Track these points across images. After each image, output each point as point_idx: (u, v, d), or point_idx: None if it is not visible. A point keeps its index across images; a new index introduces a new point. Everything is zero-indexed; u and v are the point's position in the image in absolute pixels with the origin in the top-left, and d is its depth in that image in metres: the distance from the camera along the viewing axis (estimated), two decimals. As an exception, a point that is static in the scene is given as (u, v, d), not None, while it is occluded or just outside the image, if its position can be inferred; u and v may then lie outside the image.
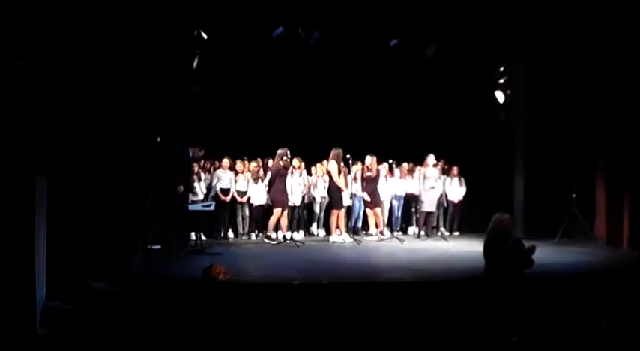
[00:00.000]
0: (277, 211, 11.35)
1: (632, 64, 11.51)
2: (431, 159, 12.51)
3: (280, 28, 11.69)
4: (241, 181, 11.93)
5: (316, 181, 12.48)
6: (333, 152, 11.85)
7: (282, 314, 6.63)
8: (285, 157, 11.39)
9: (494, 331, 5.25)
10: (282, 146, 11.51)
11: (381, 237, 12.16)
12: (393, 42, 12.61)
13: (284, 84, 13.07)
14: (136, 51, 7.98)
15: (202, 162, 11.77)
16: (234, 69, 12.42)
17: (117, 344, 5.63)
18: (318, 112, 13.28)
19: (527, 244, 6.62)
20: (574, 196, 11.96)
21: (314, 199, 12.57)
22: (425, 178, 12.48)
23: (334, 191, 11.86)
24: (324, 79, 13.24)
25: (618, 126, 11.82)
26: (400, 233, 12.89)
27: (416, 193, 12.85)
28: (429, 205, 12.52)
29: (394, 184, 12.98)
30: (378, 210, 12.31)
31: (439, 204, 13.07)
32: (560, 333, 5.17)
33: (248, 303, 6.60)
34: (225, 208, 11.91)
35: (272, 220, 11.40)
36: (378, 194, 12.37)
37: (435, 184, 12.51)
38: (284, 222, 11.62)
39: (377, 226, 12.30)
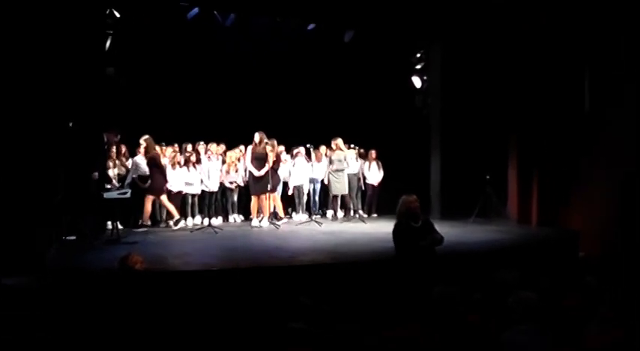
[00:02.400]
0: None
1: (542, 49, 11.99)
2: (340, 142, 12.58)
3: (195, 9, 11.45)
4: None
5: (228, 167, 12.27)
6: (256, 136, 11.61)
7: (202, 302, 6.58)
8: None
9: (410, 309, 5.36)
10: (200, 131, 11.27)
11: (271, 223, 11.70)
12: (311, 26, 12.61)
13: (201, 66, 12.81)
14: (44, 31, 7.64)
15: (118, 148, 11.41)
16: (149, 50, 12.05)
17: (31, 341, 5.43)
18: (235, 96, 13.11)
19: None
20: (488, 177, 12.39)
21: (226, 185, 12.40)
22: (331, 161, 12.57)
23: (249, 176, 11.69)
24: (241, 63, 13.08)
25: (530, 111, 12.34)
26: (319, 216, 12.92)
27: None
28: (336, 188, 12.66)
29: (311, 168, 12.98)
30: (270, 196, 11.78)
31: (357, 187, 13.23)
32: (474, 307, 5.31)
33: (167, 292, 6.51)
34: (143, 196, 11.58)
35: None
36: (275, 179, 11.77)
37: (343, 166, 12.55)
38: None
39: (261, 211, 11.74)
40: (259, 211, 11.73)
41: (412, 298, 5.60)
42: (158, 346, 5.86)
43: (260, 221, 11.63)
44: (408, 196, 6.88)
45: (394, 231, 6.82)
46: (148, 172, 11.18)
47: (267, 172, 11.41)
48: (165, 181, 11.26)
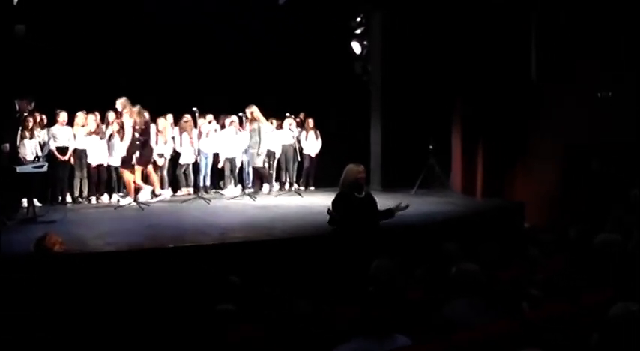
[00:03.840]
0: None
1: (487, 15, 12.11)
2: (255, 111, 12.08)
3: None
4: (81, 138, 11.27)
5: (156, 138, 11.83)
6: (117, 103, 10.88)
7: (127, 284, 6.41)
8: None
9: (350, 282, 5.35)
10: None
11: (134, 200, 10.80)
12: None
13: (123, 27, 12.21)
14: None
15: (33, 116, 10.87)
16: (65, 5, 11.44)
17: None
18: (164, 60, 12.66)
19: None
20: (431, 147, 12.49)
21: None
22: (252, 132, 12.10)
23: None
24: (168, 24, 12.57)
25: (474, 79, 12.45)
26: (252, 190, 12.80)
27: (271, 148, 12.85)
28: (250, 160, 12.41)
29: (244, 139, 12.73)
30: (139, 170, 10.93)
31: (294, 158, 13.14)
32: (417, 281, 5.34)
33: (89, 276, 6.32)
34: (63, 170, 11.18)
35: None
36: (147, 153, 10.93)
37: (262, 137, 12.08)
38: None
39: (128, 186, 10.93)
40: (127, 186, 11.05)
41: (352, 273, 5.57)
42: (79, 334, 5.71)
43: (123, 198, 11.16)
44: (355, 165, 6.82)
45: (336, 201, 6.78)
46: (67, 144, 10.80)
47: (130, 144, 10.67)
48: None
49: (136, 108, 10.64)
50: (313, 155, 13.53)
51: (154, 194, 11.20)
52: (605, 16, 11.36)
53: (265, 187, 12.98)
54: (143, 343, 5.36)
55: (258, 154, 12.04)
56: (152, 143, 11.28)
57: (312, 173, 13.69)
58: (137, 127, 10.62)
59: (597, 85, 11.50)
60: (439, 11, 12.61)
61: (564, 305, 4.35)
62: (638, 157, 10.85)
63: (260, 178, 12.76)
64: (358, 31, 14.05)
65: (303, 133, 13.44)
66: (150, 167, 11.13)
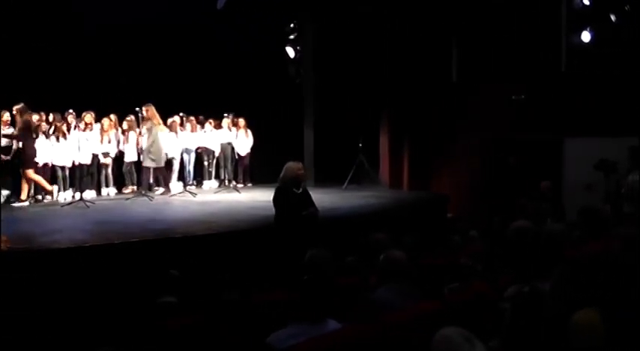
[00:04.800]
0: None
1: (412, 20, 12.36)
2: (152, 109, 11.26)
3: None
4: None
5: (101, 138, 11.64)
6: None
7: (72, 281, 6.29)
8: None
9: (287, 272, 5.41)
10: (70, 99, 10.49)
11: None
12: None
13: (62, 24, 11.76)
14: None
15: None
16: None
17: None
18: (106, 61, 12.28)
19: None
20: (360, 144, 12.64)
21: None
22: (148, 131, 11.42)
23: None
24: (108, 27, 12.25)
25: (401, 80, 12.72)
26: (194, 187, 12.70)
27: (209, 147, 12.80)
28: (146, 160, 11.51)
29: (185, 138, 12.65)
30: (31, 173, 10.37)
31: (231, 156, 13.08)
32: (349, 269, 5.42)
33: (34, 274, 6.17)
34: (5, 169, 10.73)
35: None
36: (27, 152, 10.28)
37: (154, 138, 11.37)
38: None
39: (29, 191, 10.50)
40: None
41: (289, 263, 5.62)
42: (24, 331, 5.58)
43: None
44: (294, 163, 6.90)
45: (275, 196, 6.83)
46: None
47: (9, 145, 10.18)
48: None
49: (19, 106, 10.20)
50: (243, 154, 13.30)
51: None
52: (519, 22, 11.78)
53: (207, 183, 12.91)
54: (87, 335, 5.28)
55: (149, 152, 11.28)
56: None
57: (247, 170, 13.53)
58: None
59: (512, 86, 11.92)
60: (367, 18, 12.80)
61: (482, 287, 4.51)
62: (549, 152, 11.31)
63: (157, 178, 11.97)
64: (292, 36, 14.09)
65: (235, 131, 13.22)
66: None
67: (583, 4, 11.00)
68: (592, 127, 11.07)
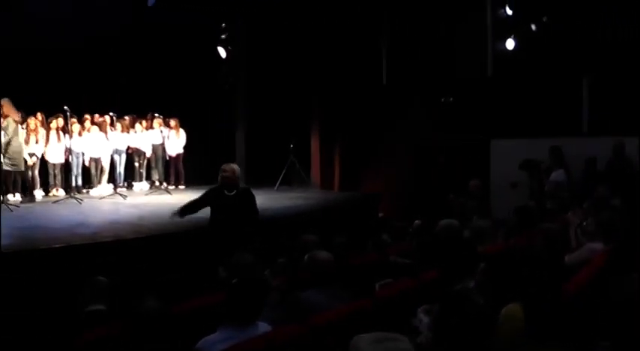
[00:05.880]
0: None
1: (342, 22, 12.45)
2: (8, 104, 10.19)
3: None
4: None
5: (27, 138, 11.10)
6: None
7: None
8: None
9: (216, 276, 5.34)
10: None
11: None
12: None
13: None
14: None
15: None
16: None
17: None
18: (33, 59, 11.77)
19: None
20: (292, 146, 12.63)
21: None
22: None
23: None
24: (41, 27, 11.81)
25: (331, 82, 12.81)
26: (124, 189, 12.40)
27: (140, 148, 12.56)
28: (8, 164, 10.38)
29: (115, 138, 12.31)
30: None
31: (162, 158, 12.82)
32: (280, 271, 5.37)
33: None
34: None
35: None
36: None
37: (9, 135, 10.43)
38: None
39: None
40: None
41: (218, 266, 5.53)
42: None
43: None
44: (226, 165, 6.79)
45: (207, 196, 6.80)
46: None
47: None
48: None
49: None
50: (174, 154, 12.93)
51: None
52: (448, 28, 12.08)
53: (137, 185, 12.63)
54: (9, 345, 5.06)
55: (6, 154, 10.09)
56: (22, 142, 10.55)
57: (180, 172, 13.12)
58: None
59: (441, 90, 12.18)
60: (298, 21, 12.81)
61: (410, 282, 4.56)
62: (477, 153, 11.60)
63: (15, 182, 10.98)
64: (223, 36, 13.92)
65: (166, 131, 12.89)
66: None
67: (506, 13, 11.35)
68: (516, 128, 11.41)
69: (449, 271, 3.95)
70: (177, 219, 6.90)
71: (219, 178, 6.71)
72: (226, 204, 6.63)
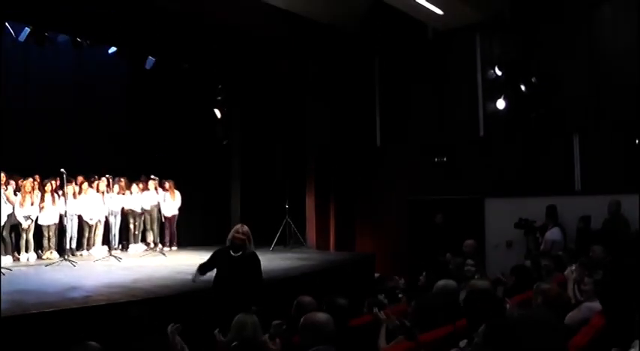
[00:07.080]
0: None
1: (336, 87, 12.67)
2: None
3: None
4: None
5: (22, 199, 11.02)
6: None
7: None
8: None
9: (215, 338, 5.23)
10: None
11: None
12: (112, 50, 12.00)
13: None
14: None
15: None
16: None
17: None
18: (26, 121, 11.88)
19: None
20: (287, 207, 12.61)
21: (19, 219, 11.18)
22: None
23: None
24: (37, 84, 12.01)
25: (326, 143, 12.97)
26: (119, 251, 12.26)
27: (136, 209, 12.51)
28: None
29: (111, 200, 12.19)
30: None
31: (158, 219, 12.75)
32: (277, 332, 5.26)
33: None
34: None
35: None
36: None
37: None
38: None
39: None
40: None
41: (218, 328, 5.41)
42: None
43: None
44: (240, 225, 6.75)
45: (212, 254, 6.76)
46: None
47: None
48: None
49: None
50: (169, 215, 12.87)
51: None
52: (441, 90, 12.32)
53: (133, 247, 12.51)
54: None
55: None
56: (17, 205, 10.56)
57: (174, 233, 13.00)
58: None
59: (435, 150, 12.31)
60: (294, 85, 13.06)
61: (407, 344, 4.47)
62: (471, 211, 11.60)
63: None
64: (219, 98, 14.08)
65: (162, 193, 12.89)
66: None
67: (496, 74, 11.56)
68: (510, 187, 11.46)
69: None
70: (200, 278, 6.82)
71: (230, 236, 6.66)
72: (231, 265, 6.56)
